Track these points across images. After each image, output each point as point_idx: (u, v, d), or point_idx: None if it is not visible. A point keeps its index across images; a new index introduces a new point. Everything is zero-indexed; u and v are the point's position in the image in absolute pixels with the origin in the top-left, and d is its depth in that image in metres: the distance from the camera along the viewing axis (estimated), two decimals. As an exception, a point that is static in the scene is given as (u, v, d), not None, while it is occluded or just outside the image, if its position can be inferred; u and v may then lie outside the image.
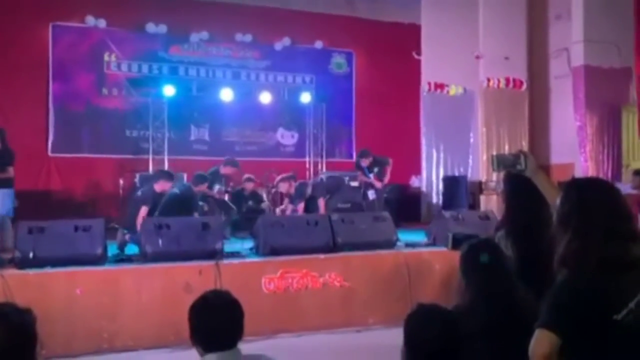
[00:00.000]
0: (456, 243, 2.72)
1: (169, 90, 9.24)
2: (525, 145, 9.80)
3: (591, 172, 8.71)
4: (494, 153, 4.26)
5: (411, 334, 1.75)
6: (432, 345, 1.69)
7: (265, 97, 9.84)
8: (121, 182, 8.84)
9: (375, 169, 8.90)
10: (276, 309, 5.27)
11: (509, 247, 2.54)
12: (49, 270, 4.81)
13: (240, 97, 9.71)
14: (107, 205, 8.86)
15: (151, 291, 4.94)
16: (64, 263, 4.87)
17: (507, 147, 9.65)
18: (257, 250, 5.75)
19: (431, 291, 5.43)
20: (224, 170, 7.97)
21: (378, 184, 8.81)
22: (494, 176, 9.00)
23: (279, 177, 8.44)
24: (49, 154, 9.05)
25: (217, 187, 7.68)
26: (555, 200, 1.87)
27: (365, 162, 8.93)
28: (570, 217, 1.71)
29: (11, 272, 4.70)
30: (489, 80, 9.79)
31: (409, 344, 1.75)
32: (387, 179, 8.95)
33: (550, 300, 1.66)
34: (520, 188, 2.46)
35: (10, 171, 6.55)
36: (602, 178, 2.10)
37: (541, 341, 1.59)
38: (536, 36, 9.90)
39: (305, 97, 10.15)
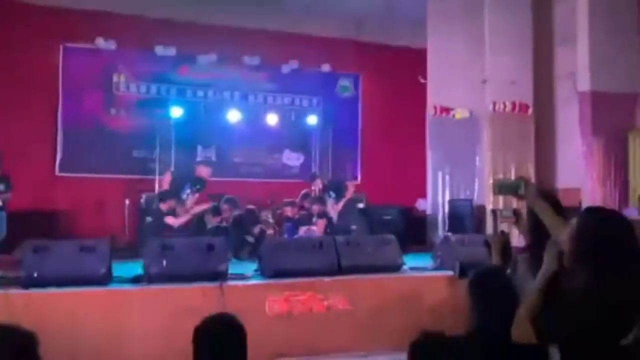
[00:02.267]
0: (463, 271, 2.72)
1: (176, 112, 9.32)
2: (531, 170, 9.76)
3: (598, 197, 8.65)
4: (495, 177, 4.27)
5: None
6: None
7: (272, 119, 9.90)
8: (127, 202, 8.86)
9: (332, 193, 8.57)
10: (280, 332, 5.23)
11: (529, 270, 2.51)
12: (53, 290, 4.81)
13: (247, 118, 9.79)
14: (113, 225, 8.88)
15: (155, 313, 4.92)
16: (68, 283, 4.88)
17: (513, 171, 9.61)
18: (261, 272, 5.73)
19: (437, 316, 5.37)
20: (199, 171, 7.75)
21: (332, 211, 8.29)
22: (511, 202, 8.97)
23: (285, 201, 8.47)
24: (57, 173, 9.11)
25: (187, 191, 7.38)
26: (555, 228, 1.86)
27: (316, 186, 8.64)
28: (586, 256, 1.69)
29: (16, 291, 4.71)
30: (494, 104, 9.79)
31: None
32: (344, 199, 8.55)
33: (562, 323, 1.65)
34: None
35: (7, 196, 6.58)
36: (614, 211, 2.09)
37: None
38: (542, 60, 9.93)
39: (312, 120, 10.21)
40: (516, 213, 2.75)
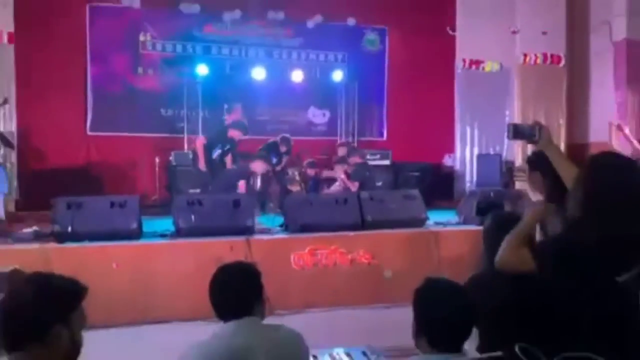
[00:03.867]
0: (480, 211, 2.74)
1: (202, 70, 9.34)
2: (563, 123, 9.57)
3: (631, 151, 8.45)
4: (510, 122, 4.19)
5: (419, 307, 1.79)
6: (441, 318, 1.72)
7: (297, 76, 9.84)
8: (157, 160, 9.04)
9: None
10: (305, 285, 5.38)
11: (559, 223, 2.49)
12: (86, 244, 5.02)
13: (272, 75, 9.75)
14: (143, 182, 9.09)
15: (184, 266, 5.09)
16: (100, 237, 5.07)
17: (543, 125, 9.44)
18: (286, 228, 5.84)
19: (460, 270, 5.40)
20: (231, 133, 7.82)
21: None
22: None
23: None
24: (88, 132, 9.32)
25: (217, 152, 7.52)
26: (567, 174, 1.86)
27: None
28: (578, 189, 1.71)
29: (51, 245, 4.92)
30: (525, 56, 9.55)
31: (418, 318, 1.78)
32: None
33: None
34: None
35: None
36: (620, 156, 2.07)
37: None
38: (576, 9, 9.57)
39: (337, 75, 10.11)
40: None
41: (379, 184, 8.74)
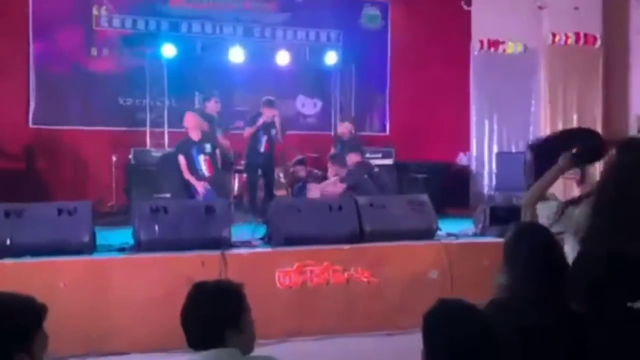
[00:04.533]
0: (496, 220, 2.81)
1: (168, 50, 9.32)
2: (598, 113, 9.65)
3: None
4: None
5: (430, 333, 1.79)
6: (455, 346, 1.73)
7: (283, 58, 9.85)
8: (114, 158, 9.00)
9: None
10: (292, 308, 5.37)
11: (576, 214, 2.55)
12: (28, 259, 4.97)
13: (253, 57, 9.74)
14: (97, 185, 9.05)
15: (147, 286, 5.07)
16: (45, 252, 5.03)
17: (575, 117, 9.53)
18: (269, 240, 5.83)
19: (477, 290, 5.42)
20: (209, 108, 8.26)
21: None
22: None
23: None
24: (30, 125, 9.26)
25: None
26: None
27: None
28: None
29: (-15, 262, 4.88)
30: (554, 35, 9.63)
31: (428, 345, 1.79)
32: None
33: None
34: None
35: None
36: None
37: None
38: (614, -19, 9.68)
39: (331, 58, 10.13)
40: (583, 171, 2.83)
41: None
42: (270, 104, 8.50)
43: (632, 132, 9.43)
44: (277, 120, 8.45)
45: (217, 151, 7.89)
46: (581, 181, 2.98)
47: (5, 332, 1.61)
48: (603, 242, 1.73)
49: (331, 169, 8.11)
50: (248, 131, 8.47)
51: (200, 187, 7.47)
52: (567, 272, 2.09)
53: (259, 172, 8.61)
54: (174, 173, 7.67)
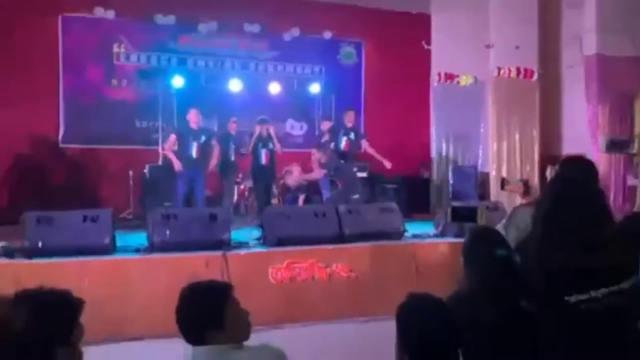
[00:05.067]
0: (456, 216, 2.75)
1: (177, 81, 9.26)
2: (536, 135, 9.69)
3: (603, 164, 8.59)
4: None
5: (402, 325, 1.75)
6: (424, 335, 1.69)
7: (274, 88, 9.81)
8: (131, 173, 8.89)
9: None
10: (283, 299, 5.30)
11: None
12: (57, 259, 4.87)
13: (248, 87, 9.71)
14: (117, 196, 8.92)
15: (158, 281, 4.97)
16: (72, 253, 4.93)
17: (517, 138, 9.54)
18: (264, 241, 5.77)
19: (438, 282, 5.38)
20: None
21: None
22: (516, 173, 8.96)
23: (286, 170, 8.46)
24: (60, 144, 9.13)
25: (193, 145, 7.50)
26: None
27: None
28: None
29: (21, 262, 4.77)
30: (499, 69, 9.66)
31: (401, 335, 1.75)
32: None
33: None
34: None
35: None
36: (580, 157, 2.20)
37: None
38: (548, 24, 9.75)
39: (314, 88, 10.11)
40: (525, 184, 2.78)
41: (356, 196, 8.73)
42: (263, 121, 8.41)
43: (566, 151, 9.50)
44: (272, 132, 8.33)
45: (214, 143, 7.72)
46: (525, 193, 2.94)
47: (49, 327, 1.50)
48: (536, 251, 1.70)
49: (314, 157, 8.00)
50: (247, 148, 8.34)
51: (177, 164, 7.32)
52: (517, 271, 2.06)
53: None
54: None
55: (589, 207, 1.70)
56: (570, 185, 1.77)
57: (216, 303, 1.95)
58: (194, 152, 7.46)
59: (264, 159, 8.34)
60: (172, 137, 7.55)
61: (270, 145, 8.32)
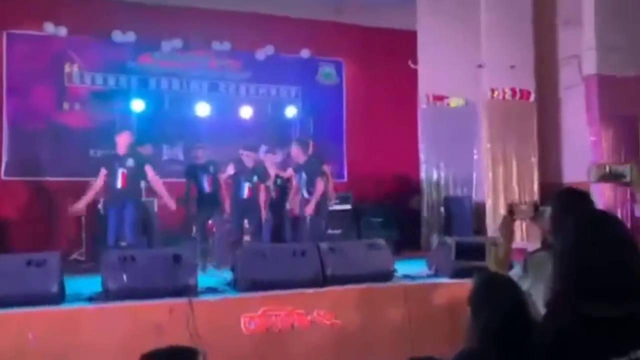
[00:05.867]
0: (461, 253, 2.67)
1: (137, 105, 9.15)
2: (535, 161, 9.77)
3: (607, 192, 8.66)
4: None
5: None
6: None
7: (246, 112, 9.78)
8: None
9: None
10: (258, 352, 5.15)
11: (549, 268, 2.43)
12: (-3, 311, 4.66)
13: (218, 111, 9.65)
14: (68, 235, 8.69)
15: (115, 334, 4.79)
16: (14, 303, 4.74)
17: (514, 164, 9.61)
18: (235, 285, 5.62)
19: (434, 328, 5.32)
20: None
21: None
22: (514, 198, 8.98)
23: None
24: (2, 177, 8.89)
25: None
26: None
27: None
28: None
29: (-47, 314, 4.55)
30: (493, 90, 9.78)
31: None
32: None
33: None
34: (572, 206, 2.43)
35: None
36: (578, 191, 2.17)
37: None
38: (544, 43, 9.93)
39: (291, 111, 10.09)
40: (537, 208, 2.71)
41: (338, 231, 8.64)
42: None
43: (568, 179, 9.57)
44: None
45: (146, 167, 7.16)
46: (534, 218, 2.85)
47: None
48: (569, 306, 1.62)
49: (294, 151, 7.87)
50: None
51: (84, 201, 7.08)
52: (533, 328, 1.97)
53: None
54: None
55: (626, 249, 1.64)
56: (601, 226, 1.70)
57: None
58: (119, 182, 7.01)
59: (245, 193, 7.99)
60: (102, 172, 7.01)
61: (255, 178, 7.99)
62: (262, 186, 7.97)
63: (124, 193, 7.01)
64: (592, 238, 1.66)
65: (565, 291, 1.62)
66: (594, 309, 1.57)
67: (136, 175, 7.08)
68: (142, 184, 7.51)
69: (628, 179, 2.13)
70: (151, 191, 7.80)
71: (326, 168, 7.98)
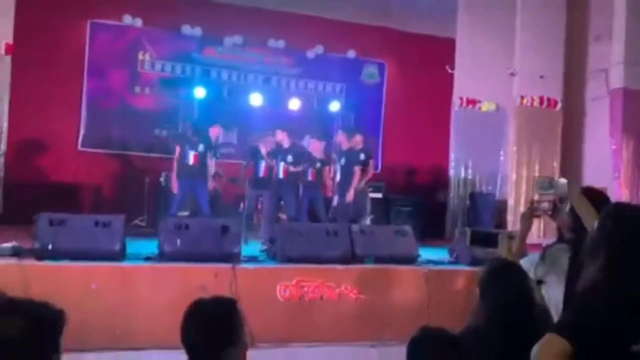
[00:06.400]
0: (475, 240, 2.64)
1: (199, 92, 9.29)
2: (556, 167, 9.54)
3: (625, 198, 8.41)
4: (535, 175, 4.19)
5: (414, 358, 1.66)
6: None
7: (295, 104, 9.81)
8: (147, 180, 8.90)
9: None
10: (290, 318, 5.21)
11: (564, 261, 2.39)
12: (66, 263, 4.84)
13: (269, 102, 9.71)
14: (131, 202, 8.92)
15: (166, 291, 4.92)
16: (81, 257, 4.90)
17: (537, 167, 9.41)
18: (274, 257, 5.69)
19: (450, 310, 5.26)
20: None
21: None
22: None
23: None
24: (79, 148, 9.19)
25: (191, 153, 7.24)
26: (588, 222, 1.79)
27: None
28: (600, 249, 1.60)
29: (29, 263, 4.75)
30: (522, 98, 9.57)
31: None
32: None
33: (573, 317, 1.57)
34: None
35: None
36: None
37: (552, 344, 1.50)
38: (574, 56, 9.66)
39: (335, 106, 10.09)
40: (555, 205, 2.65)
41: (371, 217, 8.63)
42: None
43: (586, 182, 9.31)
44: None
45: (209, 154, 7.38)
46: (553, 215, 2.77)
47: (43, 341, 1.49)
48: (610, 292, 1.57)
49: (339, 137, 7.98)
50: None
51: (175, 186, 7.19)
52: (535, 309, 1.96)
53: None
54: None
55: None
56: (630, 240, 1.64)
57: (233, 321, 1.90)
58: (190, 159, 7.20)
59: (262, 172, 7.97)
60: (177, 149, 7.27)
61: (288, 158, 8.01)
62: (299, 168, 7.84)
63: (195, 171, 7.18)
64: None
65: (617, 275, 1.58)
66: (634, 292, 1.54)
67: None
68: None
69: (558, 193, 2.09)
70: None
71: (370, 162, 7.98)
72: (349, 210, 7.55)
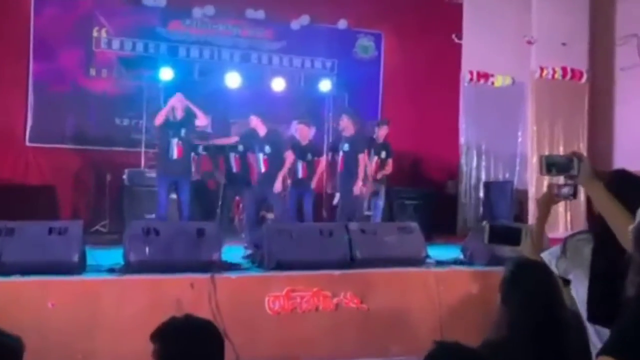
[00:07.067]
0: (494, 237, 2.61)
1: (166, 73, 9.21)
2: (583, 148, 9.61)
3: None
4: (542, 154, 4.14)
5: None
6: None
7: (278, 84, 9.77)
8: (108, 178, 8.86)
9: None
10: (281, 333, 5.24)
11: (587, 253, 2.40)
12: (18, 278, 4.82)
13: (249, 83, 9.66)
14: (91, 205, 8.89)
15: (135, 307, 4.92)
16: (34, 271, 4.89)
17: (561, 149, 9.47)
18: (260, 263, 5.69)
19: (465, 317, 5.32)
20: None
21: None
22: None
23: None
24: (27, 143, 9.11)
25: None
26: (612, 215, 1.77)
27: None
28: None
29: (-26, 279, 4.72)
30: (542, 69, 9.62)
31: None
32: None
33: (625, 331, 1.58)
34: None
35: None
36: None
37: None
38: (600, 19, 9.71)
39: (325, 85, 10.05)
40: (576, 189, 2.62)
41: (369, 213, 8.63)
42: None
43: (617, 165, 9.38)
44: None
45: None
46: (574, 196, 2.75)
47: None
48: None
49: (344, 122, 8.14)
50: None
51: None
52: (566, 314, 1.96)
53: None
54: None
55: None
56: None
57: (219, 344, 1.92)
58: (174, 152, 7.26)
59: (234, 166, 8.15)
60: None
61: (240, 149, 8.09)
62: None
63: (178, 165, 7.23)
64: None
65: None
66: None
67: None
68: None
69: (575, 172, 2.05)
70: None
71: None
72: (355, 208, 7.58)
